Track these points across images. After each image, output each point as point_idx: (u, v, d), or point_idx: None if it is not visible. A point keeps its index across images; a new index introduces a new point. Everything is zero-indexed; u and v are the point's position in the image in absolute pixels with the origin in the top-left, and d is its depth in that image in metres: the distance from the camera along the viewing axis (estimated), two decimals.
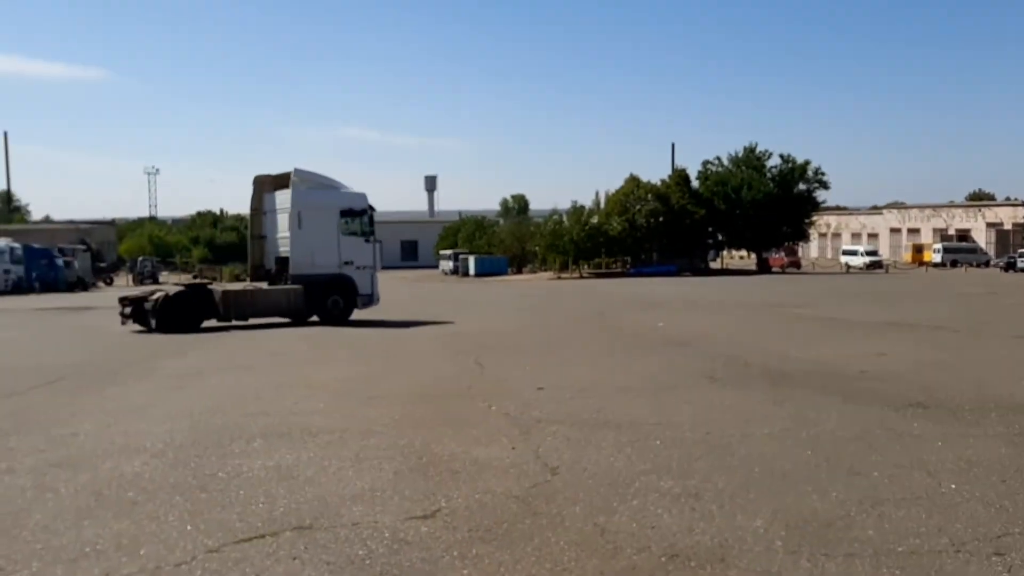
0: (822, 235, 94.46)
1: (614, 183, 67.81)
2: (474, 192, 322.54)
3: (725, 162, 67.72)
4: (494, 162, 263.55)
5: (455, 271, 68.95)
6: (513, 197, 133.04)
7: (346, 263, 21.13)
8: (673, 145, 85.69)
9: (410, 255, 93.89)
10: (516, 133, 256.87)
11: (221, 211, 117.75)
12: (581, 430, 7.97)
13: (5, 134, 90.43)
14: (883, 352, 13.13)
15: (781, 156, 66.94)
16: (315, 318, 21.05)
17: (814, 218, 71.96)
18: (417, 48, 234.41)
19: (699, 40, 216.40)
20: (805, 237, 73.91)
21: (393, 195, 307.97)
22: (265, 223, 22.02)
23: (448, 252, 73.54)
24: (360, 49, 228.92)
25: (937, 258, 72.26)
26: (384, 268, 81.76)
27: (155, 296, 19.71)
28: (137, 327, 19.71)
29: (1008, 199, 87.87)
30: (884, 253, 78.79)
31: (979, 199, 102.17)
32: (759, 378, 10.92)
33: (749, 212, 64.16)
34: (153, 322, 19.27)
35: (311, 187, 21.11)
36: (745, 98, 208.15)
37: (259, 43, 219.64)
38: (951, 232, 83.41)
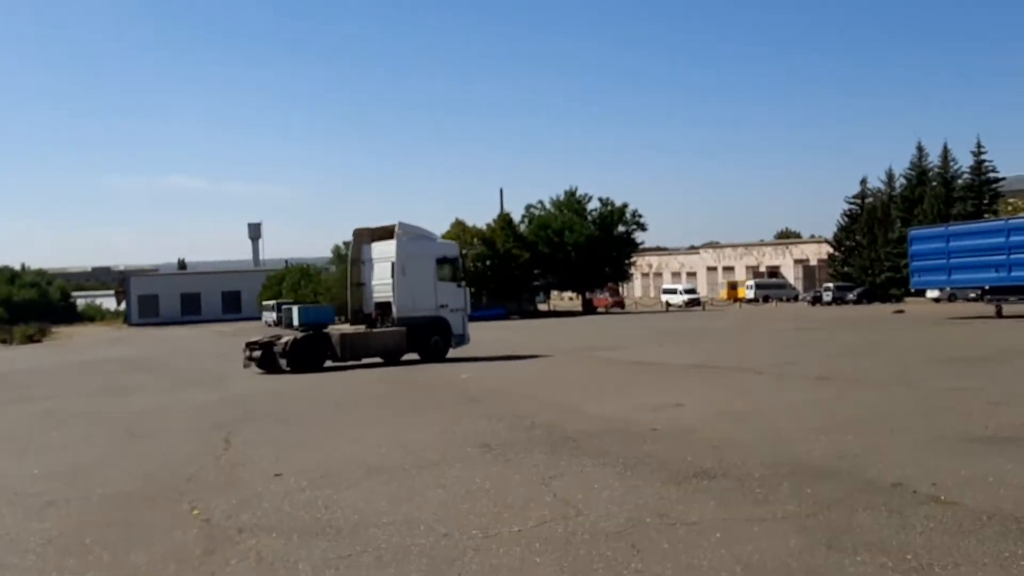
0: (645, 275, 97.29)
1: (444, 228, 66.79)
2: (307, 239, 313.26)
3: (548, 205, 68.27)
4: (327, 208, 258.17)
5: (278, 322, 65.29)
6: (345, 243, 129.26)
7: (442, 306, 22.92)
8: (502, 190, 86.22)
9: (232, 307, 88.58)
10: (348, 179, 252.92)
11: (22, 266, 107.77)
12: (288, 541, 6.09)
13: None
14: (680, 402, 12.07)
15: (600, 199, 68.44)
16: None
17: (634, 259, 73.69)
18: (242, 93, 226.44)
19: (526, 84, 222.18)
20: (627, 277, 75.53)
21: (221, 245, 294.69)
22: (363, 272, 23.52)
23: (271, 302, 69.56)
24: (182, 93, 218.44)
25: (750, 294, 75.56)
26: (203, 322, 76.42)
27: (283, 340, 21.43)
28: (258, 370, 21.28)
29: (813, 236, 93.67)
30: (702, 291, 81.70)
31: (787, 237, 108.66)
32: (540, 444, 9.44)
33: (572, 254, 64.74)
34: (284, 362, 21.11)
35: (411, 238, 22.85)
36: (569, 143, 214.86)
37: (67, 87, 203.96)
38: (762, 269, 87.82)
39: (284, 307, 66.44)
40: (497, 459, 8.78)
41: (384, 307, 22.64)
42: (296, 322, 68.39)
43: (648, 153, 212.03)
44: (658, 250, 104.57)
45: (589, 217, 67.66)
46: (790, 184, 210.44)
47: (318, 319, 68.67)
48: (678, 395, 12.98)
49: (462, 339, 23.37)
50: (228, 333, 58.80)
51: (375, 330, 22.44)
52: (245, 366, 21.75)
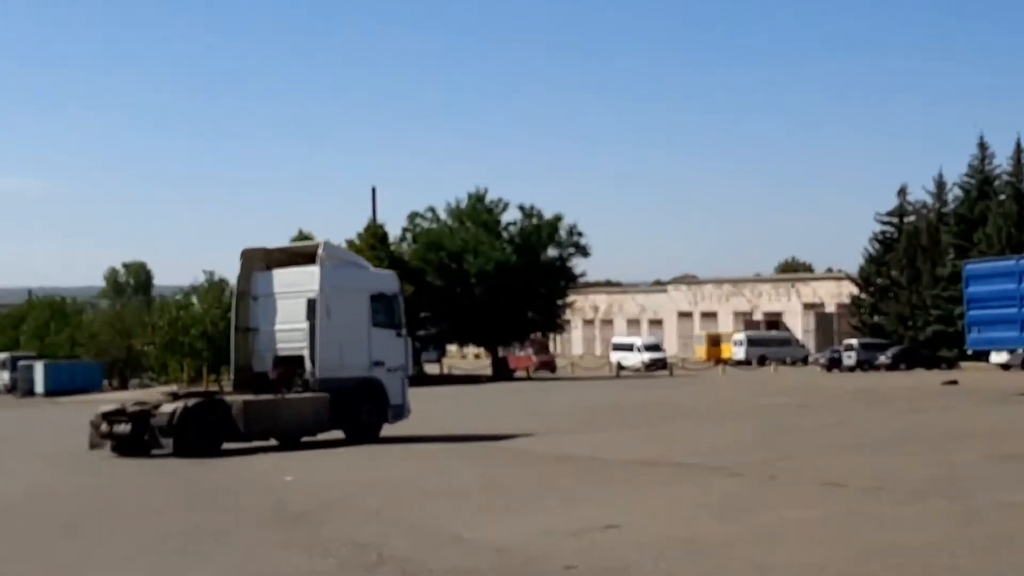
0: (588, 322, 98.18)
1: (280, 243, 65.97)
2: (66, 258, 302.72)
3: (443, 215, 68.02)
4: (99, 214, 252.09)
5: (12, 387, 63.76)
6: (127, 267, 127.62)
7: (376, 363, 23.73)
8: (374, 190, 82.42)
9: None
10: (134, 169, 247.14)
11: None
12: None
13: None
14: (615, 523, 11.74)
15: (522, 208, 68.30)
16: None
17: (572, 298, 73.95)
18: None
19: (414, 53, 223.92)
20: (559, 327, 75.58)
21: None
22: (257, 311, 23.97)
23: (2, 356, 67.72)
24: None
25: (740, 353, 76.67)
26: None
27: (167, 410, 21.61)
28: (109, 453, 21.93)
29: (830, 271, 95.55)
30: (670, 347, 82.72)
31: (793, 271, 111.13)
32: None
33: (477, 290, 64.46)
34: (168, 443, 21.24)
35: (338, 265, 24.15)
36: (478, 135, 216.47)
37: None
38: (757, 316, 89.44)
39: (22, 363, 65.21)
40: None
41: (290, 363, 23.40)
42: (41, 386, 66.57)
43: (595, 152, 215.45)
44: (609, 286, 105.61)
45: (505, 234, 67.62)
46: (798, 198, 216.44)
47: (76, 383, 66.76)
48: (614, 510, 12.66)
49: (401, 411, 24.39)
50: None
51: (289, 398, 22.95)
52: (93, 446, 22.16)
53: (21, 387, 62.99)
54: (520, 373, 69.70)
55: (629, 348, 75.72)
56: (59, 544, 12.41)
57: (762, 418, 28.17)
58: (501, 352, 71.01)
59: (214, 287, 62.52)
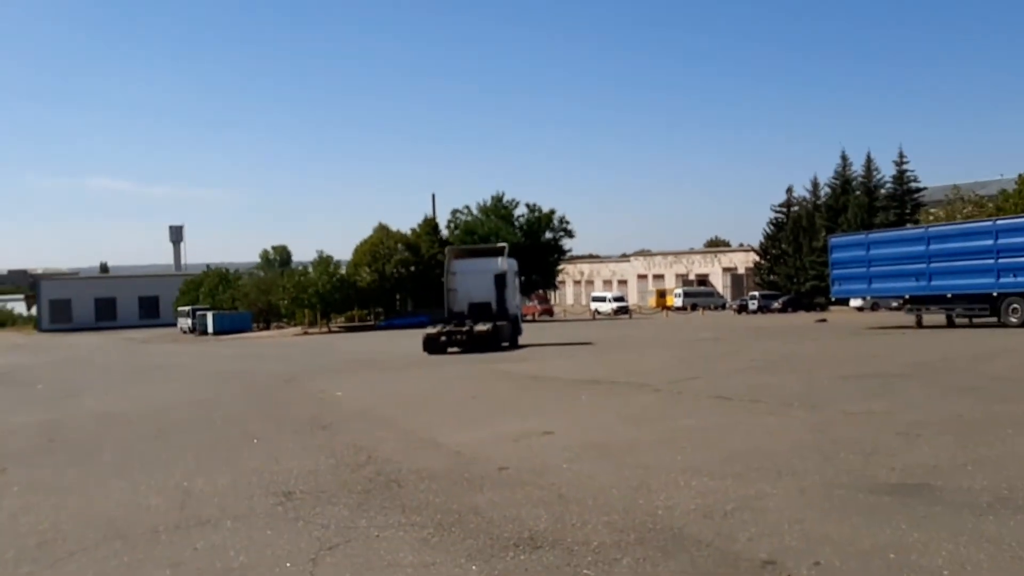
0: (577, 282, 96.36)
1: (365, 232, 64.75)
2: (234, 244, 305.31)
3: (475, 211, 66.52)
4: (257, 212, 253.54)
5: (193, 329, 62.85)
6: (274, 248, 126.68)
7: (517, 306, 30.93)
8: (433, 196, 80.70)
9: (150, 312, 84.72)
10: (281, 182, 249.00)
11: None
12: None
13: None
14: (551, 429, 10.26)
15: (528, 205, 66.96)
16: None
17: (563, 266, 72.36)
18: (169, 93, 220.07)
19: (458, 94, 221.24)
20: (554, 285, 74.22)
21: (146, 249, 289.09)
22: (456, 280, 29.16)
23: (186, 308, 66.83)
24: (104, 89, 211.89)
25: (679, 302, 74.95)
26: (119, 328, 72.89)
27: (482, 328, 26.79)
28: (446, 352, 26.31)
29: (741, 245, 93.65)
30: (632, 299, 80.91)
31: (716, 246, 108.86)
32: (354, 491, 7.48)
33: None
34: (472, 344, 26.46)
35: (506, 256, 29.79)
36: (502, 150, 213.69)
37: None
38: (692, 277, 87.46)
39: (199, 313, 64.31)
40: (287, 514, 6.82)
41: (481, 307, 28.28)
42: (211, 329, 65.66)
43: (582, 161, 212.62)
44: (590, 258, 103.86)
45: (516, 223, 66.16)
46: (720, 192, 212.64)
47: (234, 326, 65.39)
48: (554, 418, 11.21)
49: (520, 333, 30.22)
50: (139, 340, 55.53)
51: (501, 324, 27.66)
52: (427, 348, 26.36)
53: (198, 329, 62.37)
54: (527, 317, 68.26)
55: (603, 300, 74.25)
56: (149, 443, 10.99)
57: (686, 348, 26.64)
58: None
59: (323, 261, 61.11)
